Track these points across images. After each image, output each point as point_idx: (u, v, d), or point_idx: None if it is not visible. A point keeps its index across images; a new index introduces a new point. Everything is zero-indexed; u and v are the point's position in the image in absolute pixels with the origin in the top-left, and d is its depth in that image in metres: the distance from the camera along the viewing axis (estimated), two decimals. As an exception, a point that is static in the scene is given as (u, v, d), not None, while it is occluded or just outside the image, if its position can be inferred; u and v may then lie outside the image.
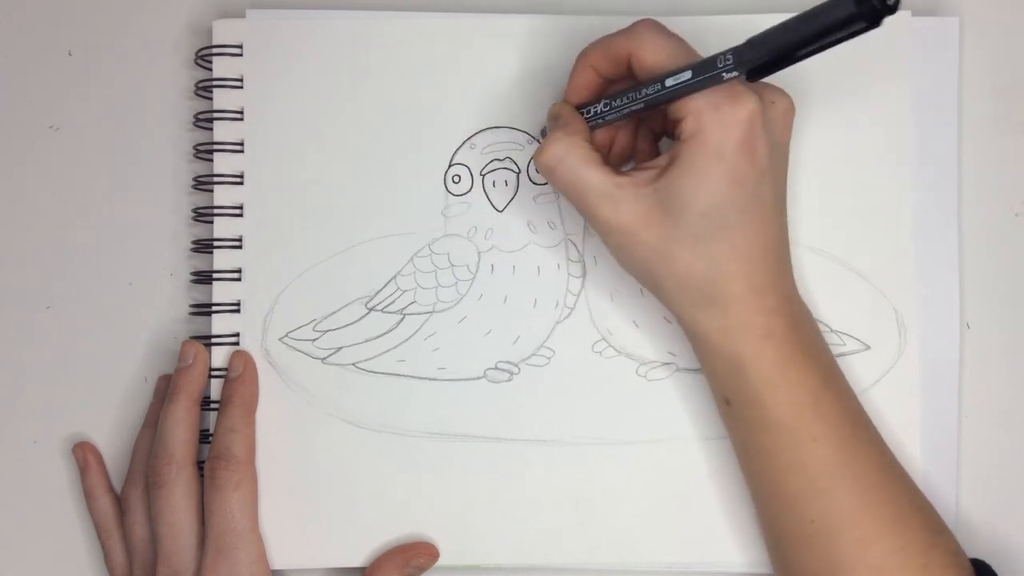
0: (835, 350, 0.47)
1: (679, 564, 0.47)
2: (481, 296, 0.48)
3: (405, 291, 0.48)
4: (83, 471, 0.49)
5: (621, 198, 0.40)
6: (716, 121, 0.38)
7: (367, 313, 0.48)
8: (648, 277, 0.42)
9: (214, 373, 0.48)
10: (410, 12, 0.49)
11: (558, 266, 0.48)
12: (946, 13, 0.49)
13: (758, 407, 0.41)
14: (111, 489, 0.49)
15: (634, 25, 0.41)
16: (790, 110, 0.41)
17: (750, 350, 0.40)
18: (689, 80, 0.38)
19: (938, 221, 0.48)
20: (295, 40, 0.49)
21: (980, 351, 0.48)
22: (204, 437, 0.47)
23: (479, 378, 0.48)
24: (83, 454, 0.49)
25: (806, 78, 0.47)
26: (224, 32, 0.49)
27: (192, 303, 0.49)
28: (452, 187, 0.48)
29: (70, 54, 0.51)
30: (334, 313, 0.48)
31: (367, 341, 0.48)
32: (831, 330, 0.48)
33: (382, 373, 0.48)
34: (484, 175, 0.48)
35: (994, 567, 0.43)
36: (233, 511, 0.45)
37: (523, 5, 0.50)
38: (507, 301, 0.48)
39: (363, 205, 0.48)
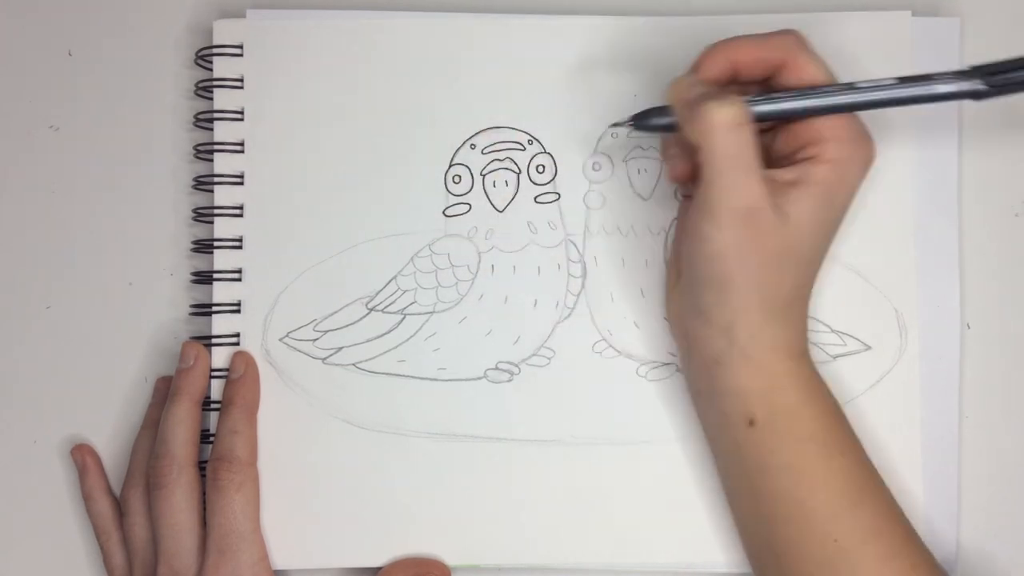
0: (835, 350, 0.47)
1: (680, 564, 0.47)
2: (481, 296, 0.48)
3: (405, 291, 0.48)
4: (81, 473, 0.49)
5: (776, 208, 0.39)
6: (850, 155, 0.40)
7: (367, 313, 0.48)
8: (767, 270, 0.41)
9: (214, 374, 0.48)
10: (410, 12, 0.49)
11: (558, 266, 0.48)
12: (946, 13, 0.49)
13: (794, 420, 0.41)
14: (109, 491, 0.49)
15: (786, 35, 0.41)
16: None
17: (794, 364, 0.41)
18: (905, 88, 0.40)
19: (938, 221, 0.48)
20: (295, 40, 0.48)
21: (980, 351, 0.48)
22: (204, 437, 0.47)
23: (479, 378, 0.48)
24: (81, 456, 0.49)
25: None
26: (224, 32, 0.49)
27: (192, 303, 0.49)
28: (452, 187, 0.48)
29: (70, 54, 0.51)
30: (334, 313, 0.48)
31: (367, 341, 0.48)
32: (831, 330, 0.48)
33: (382, 373, 0.48)
34: (484, 175, 0.48)
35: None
36: (236, 512, 0.45)
37: (523, 5, 0.50)
38: (507, 301, 0.48)
39: (363, 205, 0.48)
